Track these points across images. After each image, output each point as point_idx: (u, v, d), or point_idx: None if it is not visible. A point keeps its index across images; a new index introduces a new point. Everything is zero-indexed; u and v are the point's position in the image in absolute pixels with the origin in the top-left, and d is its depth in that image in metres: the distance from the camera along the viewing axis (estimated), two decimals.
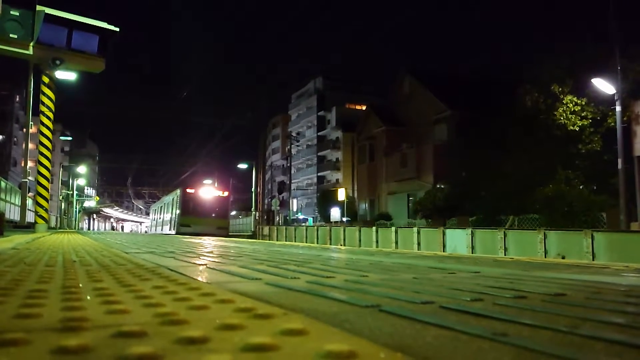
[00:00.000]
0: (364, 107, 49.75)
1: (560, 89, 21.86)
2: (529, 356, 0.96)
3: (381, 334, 1.15)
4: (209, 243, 8.35)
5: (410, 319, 1.32)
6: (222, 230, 29.43)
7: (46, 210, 13.64)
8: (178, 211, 30.90)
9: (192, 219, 29.44)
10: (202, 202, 30.69)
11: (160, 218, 41.06)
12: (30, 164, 16.28)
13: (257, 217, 38.52)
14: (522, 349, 1.01)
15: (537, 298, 1.78)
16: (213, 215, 30.49)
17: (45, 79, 13.25)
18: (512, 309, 1.52)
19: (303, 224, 43.76)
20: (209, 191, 31.95)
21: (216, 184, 52.15)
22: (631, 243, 13.07)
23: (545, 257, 14.05)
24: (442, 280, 2.46)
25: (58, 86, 13.87)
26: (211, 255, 4.42)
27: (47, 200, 13.65)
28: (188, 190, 31.40)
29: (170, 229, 32.47)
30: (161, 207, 42.21)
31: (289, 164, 52.47)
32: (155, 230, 42.56)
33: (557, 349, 0.99)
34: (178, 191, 32.22)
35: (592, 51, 20.89)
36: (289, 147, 56.40)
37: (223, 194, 32.20)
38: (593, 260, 12.51)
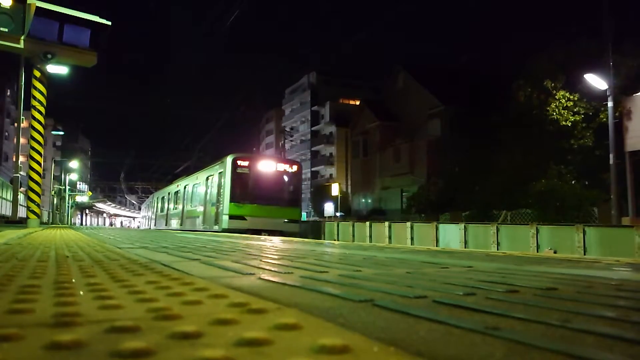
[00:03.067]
0: (357, 102, 49.77)
1: (553, 85, 21.98)
2: (520, 350, 0.97)
3: (375, 328, 1.15)
4: (203, 238, 8.34)
5: (403, 314, 1.33)
6: (292, 224, 20.21)
7: (38, 205, 13.54)
8: (224, 195, 19.75)
9: (248, 207, 19.37)
10: (264, 181, 20.11)
11: (176, 209, 29.35)
12: (22, 158, 16.17)
13: None
14: (514, 342, 1.02)
15: (529, 292, 1.80)
16: (280, 201, 20.19)
17: (37, 73, 13.13)
18: (504, 303, 1.53)
19: None
20: (273, 163, 20.99)
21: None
22: (622, 238, 13.19)
23: (538, 251, 14.15)
24: (435, 274, 2.47)
25: (50, 80, 13.75)
26: (204, 250, 4.42)
27: (39, 195, 13.55)
28: (241, 162, 19.96)
29: (207, 224, 21.66)
30: (176, 192, 29.84)
31: None
32: (166, 225, 31.45)
33: (548, 343, 1.00)
34: (225, 162, 20.26)
35: (585, 46, 21.00)
36: (282, 142, 56.32)
37: (291, 167, 21.27)
38: (584, 254, 12.61)
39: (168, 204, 32.24)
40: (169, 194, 32.82)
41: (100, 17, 13.30)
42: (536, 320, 1.25)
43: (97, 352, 0.91)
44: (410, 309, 1.37)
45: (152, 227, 37.74)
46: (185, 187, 27.59)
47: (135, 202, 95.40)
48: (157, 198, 38.61)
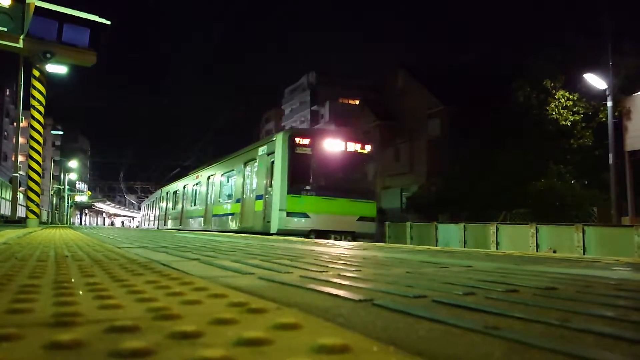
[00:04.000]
0: (357, 102, 49.78)
1: (552, 84, 21.98)
2: (520, 349, 0.97)
3: (374, 327, 1.15)
4: (203, 238, 8.33)
5: (403, 313, 1.33)
6: (367, 224, 15.11)
7: (37, 205, 13.54)
8: (277, 185, 14.52)
9: (312, 200, 14.45)
10: (332, 165, 14.97)
11: (196, 205, 23.96)
12: (21, 158, 16.17)
13: None
14: (513, 342, 1.02)
15: (529, 292, 1.80)
16: (352, 192, 14.99)
17: (36, 73, 13.13)
18: (504, 303, 1.53)
19: None
20: (342, 142, 15.39)
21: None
22: (622, 237, 13.20)
23: (537, 251, 14.16)
24: (434, 274, 2.47)
25: (49, 80, 13.75)
26: (204, 249, 4.41)
27: (38, 195, 13.55)
28: (300, 140, 14.81)
29: (248, 223, 16.41)
30: (196, 185, 24.31)
31: None
32: (181, 225, 26.40)
33: (548, 342, 1.00)
34: (278, 140, 14.97)
35: (584, 46, 21.00)
36: None
37: (363, 149, 15.76)
38: (584, 254, 12.62)
39: (184, 200, 26.94)
40: (184, 187, 27.14)
41: (100, 16, 13.31)
42: (536, 319, 1.25)
43: (96, 351, 0.91)
44: (409, 309, 1.37)
45: (162, 227, 32.16)
46: (209, 178, 22.06)
47: (134, 202, 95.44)
48: (168, 193, 32.32)
